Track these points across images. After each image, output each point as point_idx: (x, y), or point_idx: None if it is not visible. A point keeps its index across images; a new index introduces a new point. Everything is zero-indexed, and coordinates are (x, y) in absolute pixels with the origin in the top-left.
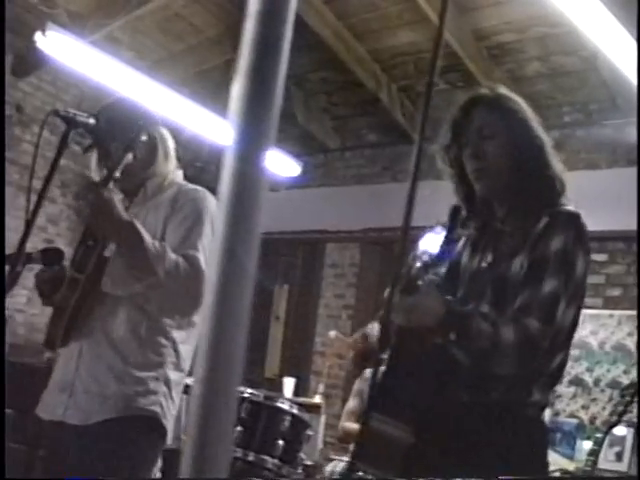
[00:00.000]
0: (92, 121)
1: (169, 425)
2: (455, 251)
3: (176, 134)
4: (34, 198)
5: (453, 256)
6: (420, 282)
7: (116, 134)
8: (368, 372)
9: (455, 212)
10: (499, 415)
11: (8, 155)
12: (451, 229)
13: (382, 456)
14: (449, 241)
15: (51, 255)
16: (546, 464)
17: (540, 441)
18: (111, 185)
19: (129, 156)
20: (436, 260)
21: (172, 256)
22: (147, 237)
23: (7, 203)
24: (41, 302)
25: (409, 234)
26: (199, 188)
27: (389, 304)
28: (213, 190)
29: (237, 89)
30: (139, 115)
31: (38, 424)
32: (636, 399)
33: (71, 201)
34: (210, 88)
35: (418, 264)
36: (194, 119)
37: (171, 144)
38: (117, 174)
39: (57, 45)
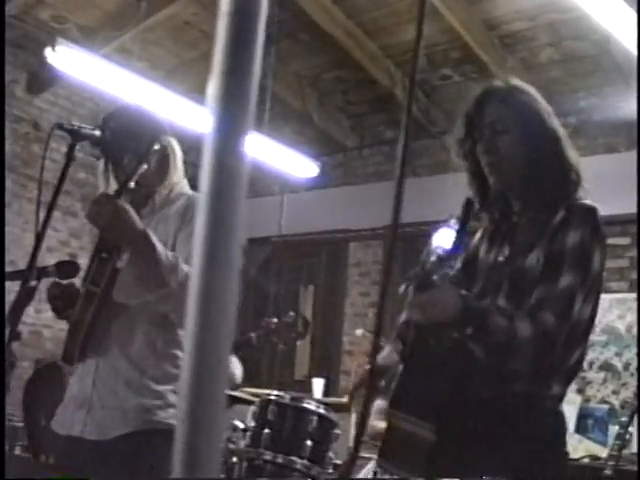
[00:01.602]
0: (97, 133)
1: None
2: (470, 244)
3: (194, 142)
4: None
5: (469, 249)
6: (435, 277)
7: (124, 144)
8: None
9: (468, 205)
10: (518, 408)
11: (28, 172)
12: (464, 222)
13: (404, 454)
14: (463, 234)
15: (66, 268)
16: (565, 454)
17: (559, 432)
18: (123, 195)
19: (143, 167)
20: (451, 254)
21: (184, 267)
22: (160, 248)
23: (27, 219)
24: (55, 317)
25: (398, 231)
26: None
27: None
28: None
29: (213, 85)
30: (147, 123)
31: (54, 438)
32: None
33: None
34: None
35: (433, 258)
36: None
37: (179, 153)
38: (131, 185)
39: (69, 60)
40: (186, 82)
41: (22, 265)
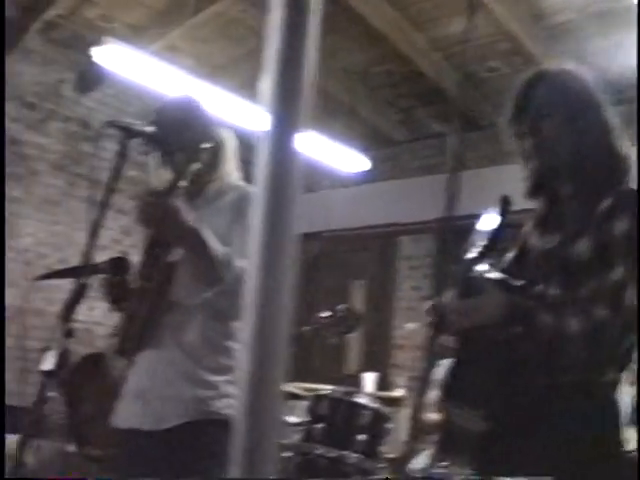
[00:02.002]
0: (149, 129)
1: None
2: (522, 233)
3: (237, 137)
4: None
5: (521, 238)
6: (478, 277)
7: (176, 139)
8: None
9: (505, 202)
10: (571, 397)
11: (77, 171)
12: (502, 217)
13: (457, 446)
14: (502, 229)
15: (118, 265)
16: (621, 442)
17: (614, 419)
18: (175, 192)
19: (196, 161)
20: (492, 245)
21: (239, 262)
22: (213, 244)
23: (77, 218)
24: (110, 309)
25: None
26: None
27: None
28: None
29: (267, 80)
30: (198, 117)
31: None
32: None
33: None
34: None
35: (473, 254)
36: (258, 122)
37: (232, 145)
38: (184, 182)
39: (117, 58)
40: (234, 79)
41: (73, 263)
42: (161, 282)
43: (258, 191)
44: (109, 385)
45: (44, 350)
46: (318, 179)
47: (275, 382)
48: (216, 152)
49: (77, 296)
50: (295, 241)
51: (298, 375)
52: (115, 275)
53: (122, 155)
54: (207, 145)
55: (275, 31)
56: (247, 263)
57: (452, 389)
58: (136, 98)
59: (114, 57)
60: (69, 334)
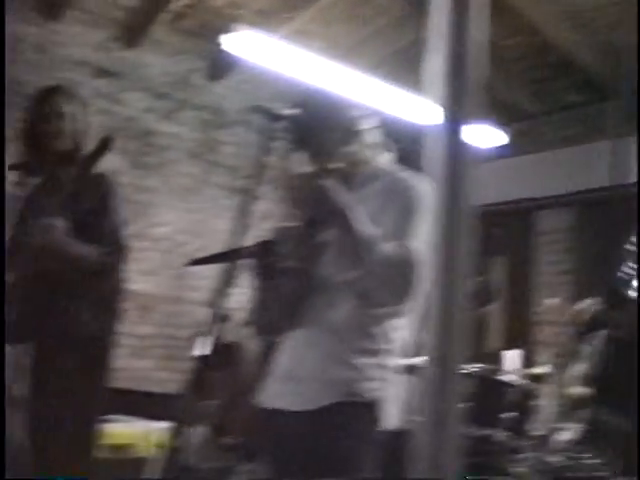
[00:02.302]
0: (294, 112)
1: (390, 410)
2: None
3: (377, 119)
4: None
5: None
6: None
7: (322, 124)
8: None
9: None
10: None
11: (212, 158)
12: None
13: (605, 442)
14: None
15: (266, 247)
16: None
17: None
18: (328, 173)
19: (344, 145)
20: None
21: (386, 245)
22: (362, 225)
23: (215, 205)
24: (256, 292)
25: (595, 196)
26: (413, 175)
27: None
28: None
29: (430, 68)
30: (343, 104)
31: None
32: None
33: (281, 196)
34: (404, 67)
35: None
36: (392, 101)
37: (377, 130)
38: (332, 164)
39: (247, 45)
40: (364, 59)
41: (212, 250)
42: (310, 262)
43: (432, 184)
44: (245, 373)
45: (195, 336)
46: None
47: (458, 363)
48: (362, 136)
49: (228, 281)
50: (472, 230)
51: None
52: (262, 258)
53: (269, 139)
54: (354, 127)
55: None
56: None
57: (606, 387)
58: (267, 84)
59: (244, 44)
60: (222, 319)
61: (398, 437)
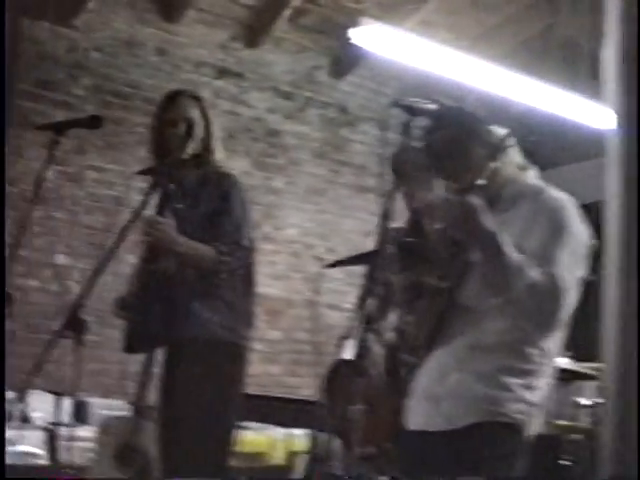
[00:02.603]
0: (433, 107)
1: (531, 432)
2: None
3: (507, 109)
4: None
5: None
6: None
7: (468, 137)
8: None
9: None
10: None
11: (339, 157)
12: None
13: None
14: None
15: (410, 247)
16: None
17: None
18: (473, 192)
19: (491, 163)
20: None
21: (532, 273)
22: (509, 250)
23: (343, 205)
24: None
25: None
26: (561, 196)
27: None
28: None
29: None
30: (482, 123)
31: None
32: None
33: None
34: (533, 57)
35: None
36: (523, 91)
37: (517, 148)
38: (481, 181)
39: (372, 38)
40: (492, 49)
41: (341, 252)
42: (458, 281)
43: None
44: (375, 384)
45: (343, 339)
46: (588, 146)
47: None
48: (506, 151)
49: (369, 287)
50: None
51: (585, 354)
52: (405, 260)
53: (406, 135)
54: (506, 142)
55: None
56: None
57: None
58: (393, 79)
59: (369, 38)
60: (367, 322)
61: (539, 442)
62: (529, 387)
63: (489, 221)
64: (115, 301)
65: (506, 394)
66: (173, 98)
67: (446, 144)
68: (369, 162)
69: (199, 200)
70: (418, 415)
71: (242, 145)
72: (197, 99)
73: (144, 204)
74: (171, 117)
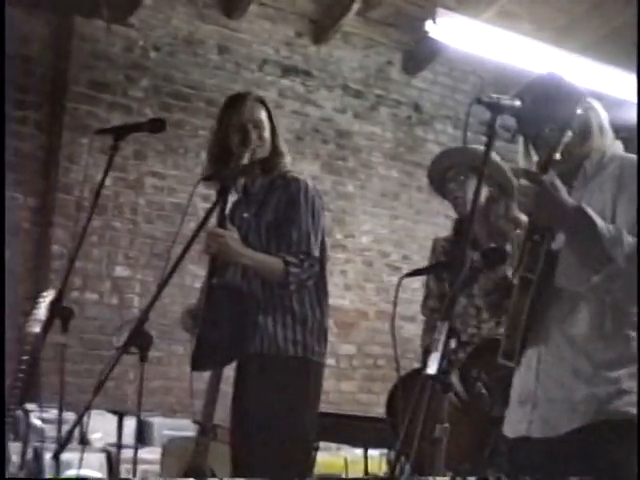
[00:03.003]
0: (518, 103)
1: None
2: None
3: (600, 103)
4: None
5: None
6: None
7: (545, 113)
8: None
9: None
10: None
11: (413, 159)
12: None
13: None
14: None
15: (493, 256)
16: None
17: None
18: (551, 170)
19: (567, 134)
20: None
21: (629, 239)
22: (599, 221)
23: (418, 210)
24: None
25: None
26: None
27: None
28: None
29: None
30: (566, 88)
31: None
32: None
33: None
34: (622, 47)
35: None
36: (612, 84)
37: (604, 115)
38: (557, 156)
39: (447, 31)
40: (577, 40)
41: (418, 260)
42: (544, 272)
43: None
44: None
45: (426, 352)
46: None
47: None
48: (586, 121)
49: (453, 297)
50: None
51: None
52: (490, 267)
53: (491, 134)
54: (579, 112)
55: None
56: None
57: None
58: (471, 74)
59: (444, 30)
60: (450, 335)
61: None
62: (631, 375)
63: (569, 198)
64: (184, 313)
65: (611, 388)
66: (237, 100)
67: (526, 120)
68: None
69: (266, 208)
70: (518, 422)
71: (310, 147)
72: (262, 101)
73: (210, 212)
74: (236, 121)
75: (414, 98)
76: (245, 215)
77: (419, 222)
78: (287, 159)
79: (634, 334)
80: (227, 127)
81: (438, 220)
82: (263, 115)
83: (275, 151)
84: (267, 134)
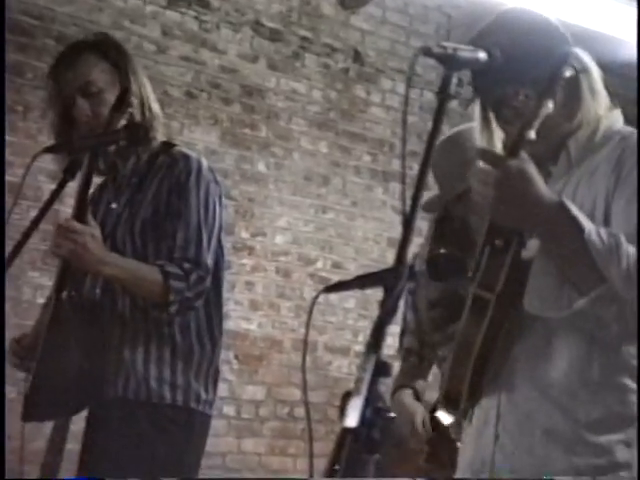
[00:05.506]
0: (482, 55)
1: None
2: None
3: (607, 58)
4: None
5: None
6: None
7: (519, 72)
8: None
9: None
10: None
11: (350, 128)
12: None
13: None
14: None
15: (446, 264)
16: None
17: None
18: (522, 151)
19: (548, 105)
20: None
21: (629, 249)
22: (587, 223)
23: (356, 199)
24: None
25: None
26: None
27: None
28: None
29: None
30: (548, 38)
31: None
32: None
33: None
34: None
35: None
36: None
37: (598, 76)
38: (532, 134)
39: None
40: None
41: (353, 269)
42: (508, 289)
43: None
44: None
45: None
46: None
47: None
48: (575, 86)
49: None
50: None
51: None
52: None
53: (443, 98)
54: (565, 74)
55: None
56: None
57: None
58: (433, 10)
59: None
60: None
61: None
62: (629, 443)
63: (548, 191)
64: (12, 342)
65: (600, 461)
66: (80, 50)
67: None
68: (394, 136)
69: (142, 196)
70: None
71: (206, 109)
72: (119, 48)
73: (54, 197)
74: (78, 81)
75: (353, 43)
76: (113, 206)
77: (356, 217)
78: (159, 123)
79: (633, 384)
80: (66, 89)
81: (381, 215)
82: (122, 67)
83: (145, 120)
84: (136, 95)
